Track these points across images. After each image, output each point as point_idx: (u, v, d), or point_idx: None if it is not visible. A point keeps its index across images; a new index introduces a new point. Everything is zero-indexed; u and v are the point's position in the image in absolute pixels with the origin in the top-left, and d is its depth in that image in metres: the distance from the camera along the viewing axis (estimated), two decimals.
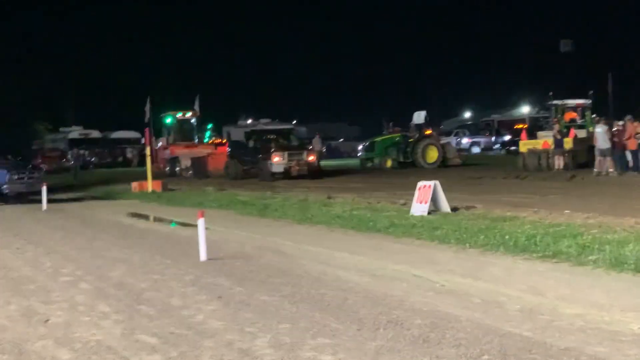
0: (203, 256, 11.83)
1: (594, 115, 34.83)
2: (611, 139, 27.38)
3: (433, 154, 40.07)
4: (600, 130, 27.94)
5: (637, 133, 26.34)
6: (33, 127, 68.45)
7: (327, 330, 7.22)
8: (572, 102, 36.08)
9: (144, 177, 30.69)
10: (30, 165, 31.30)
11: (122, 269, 11.32)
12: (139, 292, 9.42)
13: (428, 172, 32.89)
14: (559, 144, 31.29)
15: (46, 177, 30.45)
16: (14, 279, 10.70)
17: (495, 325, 7.20)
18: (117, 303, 8.79)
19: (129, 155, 59.31)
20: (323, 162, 40.97)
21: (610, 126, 28.67)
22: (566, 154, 31.33)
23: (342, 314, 7.87)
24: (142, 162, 53.91)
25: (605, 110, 45.07)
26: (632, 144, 26.69)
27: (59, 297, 9.30)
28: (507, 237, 12.15)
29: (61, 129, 63.72)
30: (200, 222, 12.03)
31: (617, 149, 27.36)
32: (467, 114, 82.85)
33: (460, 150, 51.67)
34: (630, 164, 27.19)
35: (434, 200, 16.06)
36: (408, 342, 6.72)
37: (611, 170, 27.18)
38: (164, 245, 14.12)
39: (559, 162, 31.20)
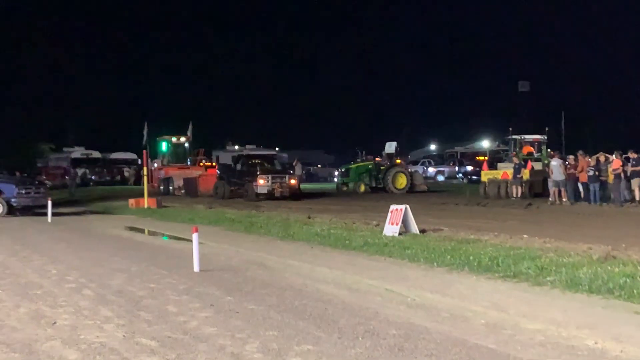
0: (196, 267, 11.78)
1: (548, 150, 35.08)
2: (565, 172, 27.55)
3: (402, 181, 40.21)
4: (555, 163, 28.08)
5: (589, 166, 26.52)
6: (38, 147, 67.95)
7: (311, 337, 7.19)
8: (529, 137, 36.26)
9: (140, 194, 30.58)
10: (37, 181, 31.05)
11: (122, 277, 11.23)
12: (137, 299, 9.34)
13: (397, 197, 32.98)
14: (517, 174, 31.42)
15: (50, 192, 30.16)
16: (22, 285, 10.57)
17: (462, 338, 7.20)
18: (118, 308, 8.71)
19: (126, 174, 58.90)
20: (303, 186, 40.92)
21: (564, 160, 28.81)
22: (523, 184, 31.46)
23: (324, 324, 7.85)
24: (138, 181, 53.83)
25: (559, 146, 45.42)
26: (583, 177, 26.87)
27: (65, 302, 9.21)
28: (471, 257, 12.15)
29: (64, 149, 63.27)
30: (195, 237, 11.99)
31: (570, 180, 27.54)
32: (433, 146, 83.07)
33: (426, 178, 51.79)
34: (582, 194, 27.37)
35: (404, 222, 16.07)
36: (385, 351, 6.71)
37: (564, 200, 27.34)
38: (159, 257, 14.03)
39: (517, 190, 31.31)
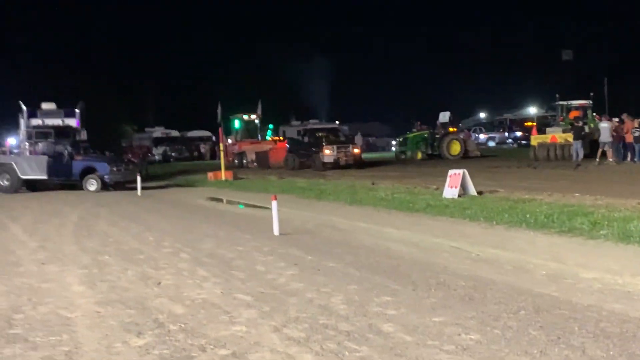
0: (276, 231, 12.03)
1: (594, 114, 34.42)
2: (612, 133, 27.01)
3: (456, 148, 39.98)
4: (605, 125, 27.53)
5: (634, 127, 26.00)
6: (122, 128, 69.45)
7: (388, 290, 7.35)
8: (575, 102, 35.62)
9: (216, 168, 31.05)
10: (126, 159, 31.78)
11: (212, 242, 11.53)
12: (228, 261, 9.61)
13: (453, 163, 32.78)
14: (578, 136, 30.01)
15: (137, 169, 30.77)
16: (126, 251, 10.94)
17: (526, 287, 7.28)
18: (213, 269, 8.98)
19: (202, 150, 59.89)
20: (363, 155, 40.92)
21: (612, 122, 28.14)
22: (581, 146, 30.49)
23: (398, 278, 8.00)
24: (213, 156, 54.61)
25: (603, 110, 44.41)
26: (629, 137, 26.35)
27: (165, 264, 9.51)
28: (527, 215, 12.15)
29: (146, 129, 64.54)
30: (274, 204, 12.24)
31: (615, 141, 27.03)
32: (482, 114, 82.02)
33: (477, 144, 51.29)
34: (629, 155, 26.86)
35: (463, 185, 16.09)
36: (457, 300, 6.83)
37: (611, 159, 26.85)
38: (242, 223, 14.33)
39: (580, 152, 29.81)
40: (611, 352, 5.05)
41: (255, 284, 7.90)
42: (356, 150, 34.24)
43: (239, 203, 19.57)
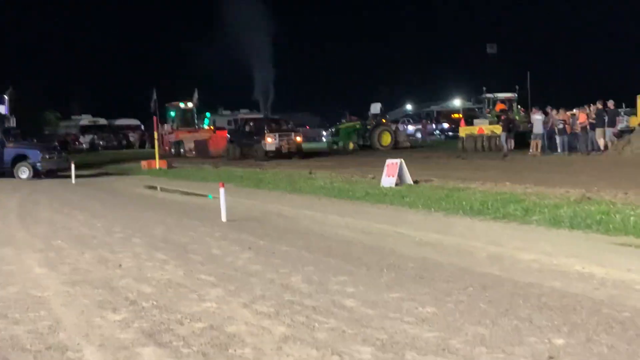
0: (224, 218, 12.35)
1: (519, 106, 35.76)
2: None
3: (387, 138, 40.84)
4: (538, 117, 28.57)
5: (557, 120, 27.19)
6: (45, 116, 67.95)
7: (344, 271, 7.80)
8: (501, 95, 36.89)
9: (146, 157, 31.03)
10: (58, 147, 31.32)
11: (162, 228, 11.76)
12: (183, 245, 9.90)
13: (384, 153, 33.51)
14: (506, 128, 31.12)
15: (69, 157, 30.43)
16: (77, 236, 11.08)
17: (471, 267, 7.84)
18: (170, 253, 9.26)
19: (131, 139, 59.27)
20: None
21: (546, 114, 29.20)
22: (498, 137, 31.95)
23: (350, 260, 8.46)
24: (142, 145, 54.18)
25: (526, 103, 46.01)
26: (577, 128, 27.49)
27: (121, 248, 9.73)
28: (464, 203, 12.79)
29: (73, 117, 63.39)
30: (222, 191, 12.59)
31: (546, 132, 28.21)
32: (409, 106, 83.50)
33: (407, 135, 52.31)
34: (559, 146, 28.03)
35: (400, 174, 16.66)
36: (409, 279, 7.34)
37: (538, 151, 27.98)
38: (186, 211, 14.58)
39: (510, 143, 31.07)
40: (555, 322, 5.63)
41: (215, 266, 8.25)
42: (299, 138, 34.30)
43: (181, 192, 19.49)
